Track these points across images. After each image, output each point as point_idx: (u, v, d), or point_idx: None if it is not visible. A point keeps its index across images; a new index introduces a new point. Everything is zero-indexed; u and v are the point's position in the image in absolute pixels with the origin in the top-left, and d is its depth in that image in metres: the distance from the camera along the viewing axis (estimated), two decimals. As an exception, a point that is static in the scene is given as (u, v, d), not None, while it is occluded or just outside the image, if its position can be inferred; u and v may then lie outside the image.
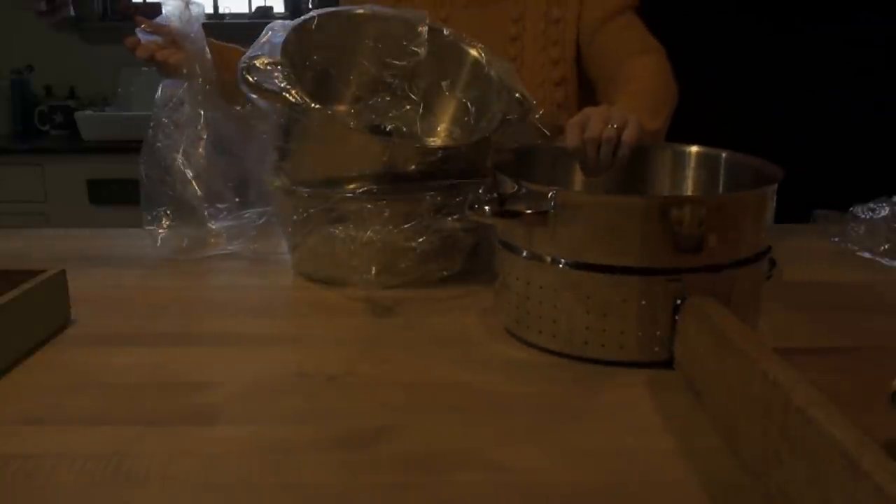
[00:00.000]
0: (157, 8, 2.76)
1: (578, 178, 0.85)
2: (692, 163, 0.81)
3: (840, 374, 0.56)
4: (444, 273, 0.88)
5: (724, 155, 0.78)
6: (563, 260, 0.65)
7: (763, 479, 0.45)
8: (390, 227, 0.83)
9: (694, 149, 0.81)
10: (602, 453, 0.52)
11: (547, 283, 0.67)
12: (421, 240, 0.84)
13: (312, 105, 0.83)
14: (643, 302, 0.64)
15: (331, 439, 0.54)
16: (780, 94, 2.34)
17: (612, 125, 0.82)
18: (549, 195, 0.65)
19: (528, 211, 0.65)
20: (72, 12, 2.65)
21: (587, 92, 1.20)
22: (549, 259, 0.66)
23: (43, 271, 0.73)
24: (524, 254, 0.68)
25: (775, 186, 0.67)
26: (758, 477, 0.46)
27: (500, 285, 0.73)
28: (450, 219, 0.85)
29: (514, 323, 0.72)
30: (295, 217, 0.88)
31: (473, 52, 1.00)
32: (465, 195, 0.85)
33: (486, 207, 0.65)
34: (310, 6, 2.66)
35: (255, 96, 0.86)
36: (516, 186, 0.68)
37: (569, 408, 0.59)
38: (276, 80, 0.83)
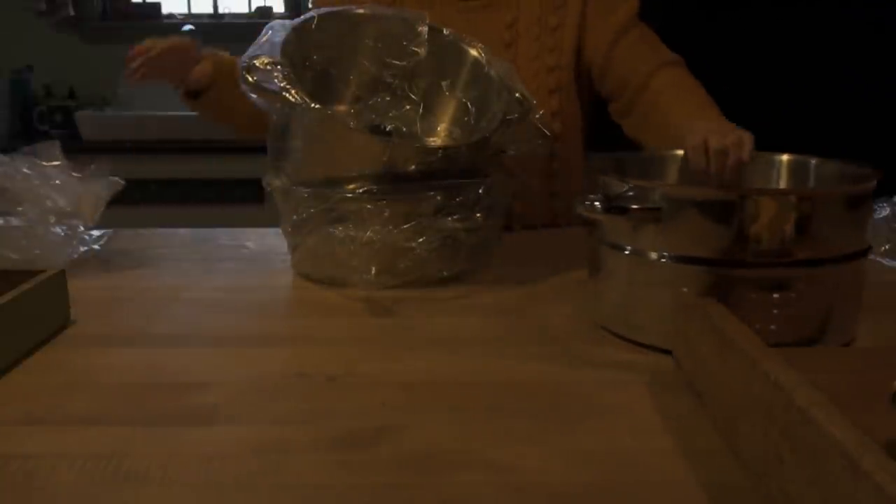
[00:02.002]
0: (157, 8, 2.76)
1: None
2: (784, 169, 0.82)
3: (840, 374, 0.55)
4: (444, 273, 0.88)
5: (813, 161, 0.79)
6: (667, 254, 0.66)
7: (764, 479, 0.45)
8: (390, 227, 0.83)
9: (785, 157, 0.81)
10: (602, 453, 0.52)
11: (651, 278, 0.67)
12: (421, 240, 0.84)
13: (312, 105, 0.83)
14: (745, 294, 0.64)
15: (331, 439, 0.54)
16: (781, 94, 2.34)
17: (731, 142, 0.85)
18: (658, 192, 0.65)
19: (635, 207, 0.66)
20: (72, 12, 2.65)
21: (584, 102, 1.20)
22: (654, 256, 0.67)
23: (43, 271, 0.73)
24: (627, 251, 0.69)
25: (874, 184, 0.68)
26: (758, 477, 0.46)
27: (599, 283, 0.74)
28: (450, 219, 0.85)
29: (612, 320, 0.72)
30: (294, 217, 0.88)
31: (473, 52, 1.00)
32: (466, 195, 0.86)
33: (597, 204, 0.66)
34: (309, 6, 2.66)
35: (254, 96, 0.86)
36: (625, 186, 0.68)
37: (569, 408, 0.59)
38: (276, 80, 0.83)
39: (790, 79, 2.34)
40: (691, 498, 0.47)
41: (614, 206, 0.66)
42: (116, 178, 0.94)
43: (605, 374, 0.65)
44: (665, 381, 0.63)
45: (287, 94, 0.82)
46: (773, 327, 0.64)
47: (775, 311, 0.64)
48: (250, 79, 0.84)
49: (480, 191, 0.86)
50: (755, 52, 2.33)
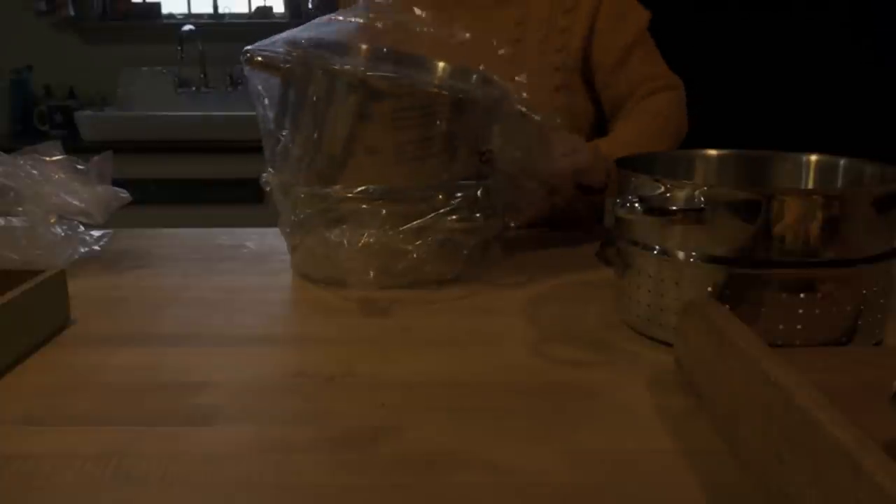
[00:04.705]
0: (157, 8, 2.76)
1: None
2: (812, 170, 0.81)
3: (840, 374, 0.56)
4: (444, 275, 0.88)
5: (842, 161, 0.79)
6: (695, 254, 0.66)
7: (763, 479, 0.45)
8: (387, 227, 0.83)
9: (814, 157, 0.81)
10: (602, 454, 0.52)
11: (685, 278, 0.67)
12: (419, 242, 0.84)
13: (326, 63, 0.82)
14: (774, 295, 0.64)
15: (330, 439, 0.54)
16: (779, 94, 2.34)
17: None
18: (697, 193, 0.65)
19: (677, 208, 0.65)
20: (71, 12, 2.65)
21: (591, 101, 1.21)
22: (685, 255, 0.67)
23: (43, 271, 0.73)
24: (655, 251, 0.69)
25: None
26: (758, 477, 0.46)
27: (626, 282, 0.73)
28: (449, 219, 0.85)
29: (640, 319, 0.72)
30: (293, 217, 0.88)
31: (441, 64, 1.00)
32: (465, 196, 0.85)
33: (637, 206, 0.65)
34: (310, 6, 2.66)
35: (263, 74, 0.86)
36: (661, 186, 0.67)
37: (568, 408, 0.59)
38: (282, 55, 0.83)
39: (789, 82, 2.34)
40: (691, 498, 0.47)
41: (656, 208, 0.66)
42: (125, 194, 0.94)
43: (605, 375, 0.65)
44: (665, 381, 0.63)
45: (289, 58, 0.83)
46: (801, 328, 0.64)
47: (805, 312, 0.64)
48: (260, 58, 0.84)
49: (479, 192, 0.86)
50: (765, 53, 2.33)
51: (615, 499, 0.47)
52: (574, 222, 1.20)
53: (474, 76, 0.97)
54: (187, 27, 2.60)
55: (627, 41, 1.16)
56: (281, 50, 0.86)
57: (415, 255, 0.84)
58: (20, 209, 0.88)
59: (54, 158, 0.92)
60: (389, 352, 0.70)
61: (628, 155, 0.80)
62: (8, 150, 0.92)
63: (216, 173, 2.29)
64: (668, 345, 0.67)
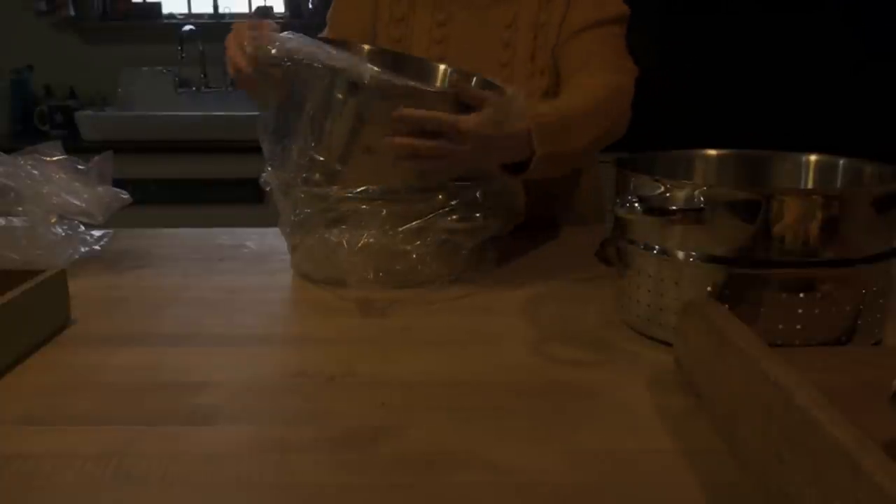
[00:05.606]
0: (157, 8, 2.76)
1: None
2: (811, 170, 0.81)
3: (840, 374, 0.56)
4: (443, 275, 0.88)
5: (841, 161, 0.79)
6: (695, 254, 0.66)
7: (763, 479, 0.45)
8: (387, 227, 0.83)
9: (813, 157, 0.81)
10: (602, 454, 0.52)
11: (685, 278, 0.67)
12: (418, 242, 0.84)
13: (327, 62, 0.82)
14: (774, 295, 0.64)
15: (330, 439, 0.54)
16: (779, 94, 2.34)
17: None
18: (697, 192, 0.65)
19: (676, 208, 0.65)
20: (72, 12, 2.65)
21: None
22: (685, 255, 0.67)
23: (43, 271, 0.73)
24: (655, 251, 0.69)
25: None
26: (758, 477, 0.46)
27: (626, 282, 0.73)
28: (449, 219, 0.85)
29: (639, 319, 0.72)
30: (293, 217, 0.88)
31: (442, 66, 1.00)
32: (464, 197, 0.86)
33: (637, 206, 0.65)
34: (310, 6, 2.66)
35: (269, 72, 0.86)
36: (661, 186, 0.67)
37: (568, 408, 0.59)
38: (283, 54, 0.83)
39: (787, 82, 2.34)
40: (691, 498, 0.47)
41: (656, 208, 0.66)
42: (126, 195, 0.94)
43: (605, 375, 0.65)
44: (665, 381, 0.63)
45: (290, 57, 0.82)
46: (800, 328, 0.64)
47: (804, 312, 0.64)
48: (269, 50, 0.84)
49: (478, 193, 0.86)
50: (749, 44, 2.33)
51: (615, 499, 0.47)
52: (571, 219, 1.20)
53: (473, 79, 0.98)
54: (187, 27, 2.60)
55: (589, 20, 1.08)
56: (281, 37, 0.85)
57: (414, 256, 0.84)
58: (20, 209, 0.88)
59: (55, 158, 0.92)
60: (389, 352, 0.70)
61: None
62: (8, 150, 0.92)
63: (216, 173, 2.29)
64: (668, 344, 0.67)
